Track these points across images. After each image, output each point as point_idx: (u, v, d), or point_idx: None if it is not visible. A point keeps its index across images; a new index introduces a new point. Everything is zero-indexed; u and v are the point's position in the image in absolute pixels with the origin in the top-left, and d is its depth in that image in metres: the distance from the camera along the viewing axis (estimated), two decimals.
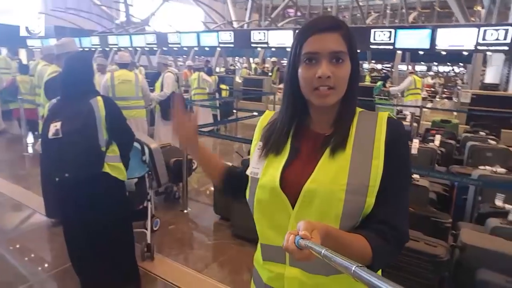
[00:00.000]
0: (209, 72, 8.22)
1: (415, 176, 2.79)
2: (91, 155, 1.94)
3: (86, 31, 17.04)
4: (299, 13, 24.07)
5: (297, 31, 0.84)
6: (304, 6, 26.87)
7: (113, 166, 2.01)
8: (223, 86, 9.54)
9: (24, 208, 3.60)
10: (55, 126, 1.90)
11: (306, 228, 0.57)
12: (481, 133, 4.64)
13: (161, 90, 5.07)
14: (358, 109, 0.85)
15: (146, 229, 2.72)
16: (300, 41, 0.80)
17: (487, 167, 3.02)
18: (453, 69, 23.44)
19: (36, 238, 3.04)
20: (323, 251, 0.52)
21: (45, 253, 2.86)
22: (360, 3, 23.66)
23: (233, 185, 1.01)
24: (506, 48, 8.17)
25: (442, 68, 24.06)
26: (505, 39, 7.96)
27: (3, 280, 2.42)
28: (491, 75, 11.99)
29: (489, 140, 4.08)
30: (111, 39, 15.13)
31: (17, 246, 2.88)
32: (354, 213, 0.77)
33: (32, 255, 2.74)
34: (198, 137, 1.01)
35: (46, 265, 2.66)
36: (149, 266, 2.55)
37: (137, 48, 15.22)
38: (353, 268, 0.48)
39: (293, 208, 0.80)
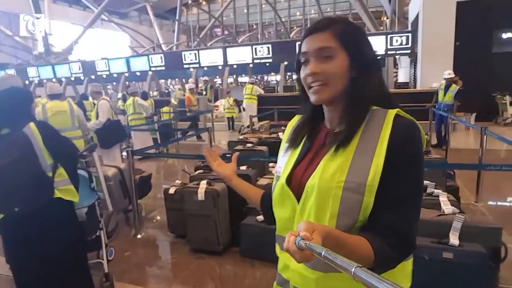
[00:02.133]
0: (144, 96, 8.14)
1: None
2: (37, 183, 1.89)
3: (0, 64, 15.61)
4: (226, 32, 24.78)
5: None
6: (231, 25, 27.75)
7: (64, 190, 1.98)
8: (165, 109, 9.48)
9: None
10: None
11: (307, 229, 0.57)
12: None
13: (97, 118, 4.95)
14: (373, 106, 0.82)
15: (102, 259, 2.65)
16: (299, 45, 0.86)
17: None
18: None
19: None
20: (323, 252, 0.53)
21: None
22: (283, 19, 25.21)
23: (270, 209, 0.98)
24: (408, 51, 9.45)
25: None
26: (407, 43, 9.22)
27: None
28: (403, 75, 13.60)
29: None
30: (31, 71, 14.10)
31: None
32: (351, 211, 0.76)
33: None
34: (235, 175, 1.14)
35: None
36: None
37: (62, 79, 14.36)
38: (353, 269, 0.49)
39: (298, 202, 0.84)
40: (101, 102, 5.09)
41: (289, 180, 0.88)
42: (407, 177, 0.76)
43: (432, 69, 8.85)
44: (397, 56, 11.84)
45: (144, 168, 4.37)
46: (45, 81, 12.94)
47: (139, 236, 3.52)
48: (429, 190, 2.70)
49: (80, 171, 2.52)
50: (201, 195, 2.94)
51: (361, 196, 0.75)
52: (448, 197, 2.54)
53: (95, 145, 3.26)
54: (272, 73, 22.59)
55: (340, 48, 0.80)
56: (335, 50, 0.80)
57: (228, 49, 11.65)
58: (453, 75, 6.65)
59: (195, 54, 11.94)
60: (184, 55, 12.09)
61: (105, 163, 4.66)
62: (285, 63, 11.94)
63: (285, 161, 0.93)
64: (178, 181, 3.49)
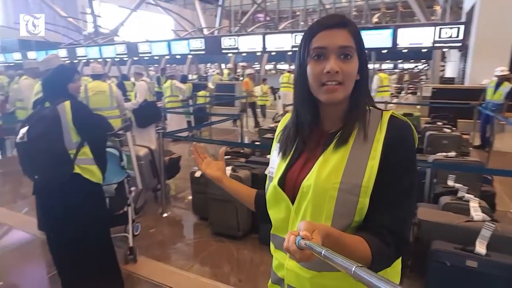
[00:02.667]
0: (184, 80, 8.34)
1: None
2: (55, 158, 2.01)
3: (53, 43, 16.65)
4: (268, 18, 24.50)
5: (306, 30, 0.84)
6: (273, 11, 27.38)
7: (84, 168, 2.07)
8: (201, 93, 9.67)
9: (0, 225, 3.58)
10: (23, 131, 2.02)
11: (307, 229, 0.58)
12: (438, 123, 5.02)
13: (135, 99, 5.18)
14: (368, 107, 0.84)
15: (128, 234, 2.81)
16: (309, 37, 0.80)
17: (445, 153, 3.33)
18: (416, 66, 24.61)
19: (21, 251, 3.05)
20: (323, 252, 0.53)
21: (35, 262, 2.89)
22: (327, 6, 24.46)
23: (264, 208, 0.99)
24: (459, 44, 8.79)
25: (407, 65, 25.20)
26: (457, 36, 8.59)
27: None
28: (450, 70, 12.78)
29: (444, 129, 4.43)
30: (80, 51, 14.89)
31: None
32: (346, 212, 0.77)
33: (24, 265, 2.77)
34: (225, 175, 1.11)
35: (37, 271, 2.70)
36: (133, 268, 2.65)
37: (107, 59, 15.05)
38: (353, 269, 0.49)
39: (293, 204, 0.83)
40: (139, 83, 5.31)
41: (282, 182, 0.87)
42: (401, 177, 0.77)
43: (484, 65, 8.19)
44: (445, 49, 11.09)
45: (176, 150, 4.52)
46: (91, 61, 13.64)
47: (165, 215, 3.68)
48: (459, 194, 2.56)
49: (111, 150, 2.67)
50: None
51: (356, 197, 0.76)
52: (479, 203, 2.39)
53: (130, 125, 3.42)
54: None
55: (355, 50, 0.80)
56: (353, 51, 0.79)
57: (267, 36, 11.54)
58: (506, 72, 6.12)
59: (234, 39, 11.96)
60: (224, 40, 12.15)
61: (140, 142, 4.89)
62: None
63: (277, 162, 0.91)
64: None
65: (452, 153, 3.16)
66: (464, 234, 2.18)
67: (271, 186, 0.89)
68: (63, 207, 2.03)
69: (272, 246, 0.96)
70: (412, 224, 2.47)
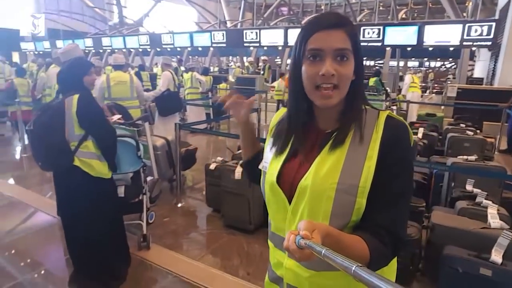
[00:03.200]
0: (205, 72, 8.40)
1: None
2: (54, 147, 2.09)
3: (80, 33, 17.12)
4: (292, 12, 24.20)
5: (301, 28, 0.83)
6: (297, 4, 27.02)
7: (84, 162, 2.11)
8: (222, 86, 9.72)
9: (26, 207, 3.76)
10: (32, 119, 2.14)
11: (307, 228, 0.58)
12: (462, 125, 4.86)
13: None
14: (364, 107, 0.84)
15: (142, 221, 2.89)
16: (305, 37, 0.79)
17: (465, 157, 3.22)
18: (443, 64, 23.77)
19: (42, 233, 3.20)
20: (323, 251, 0.53)
21: (53, 243, 3.03)
22: (353, 1, 23.88)
23: (253, 170, 1.03)
24: (489, 43, 8.42)
25: (433, 64, 24.39)
26: (488, 34, 8.22)
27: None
28: (479, 70, 12.25)
29: (467, 131, 4.28)
30: (105, 41, 15.24)
31: (26, 241, 3.05)
32: (343, 212, 0.77)
33: (44, 247, 2.91)
34: (250, 117, 1.06)
35: (57, 253, 2.83)
36: (145, 254, 2.73)
37: (131, 49, 15.34)
38: (353, 268, 0.48)
39: (289, 203, 0.82)
40: (164, 73, 5.45)
41: (279, 179, 0.85)
42: (398, 177, 0.78)
43: None
44: (474, 48, 10.64)
45: (194, 142, 4.59)
46: (116, 50, 13.95)
47: (179, 205, 3.75)
48: (478, 200, 2.49)
49: (128, 139, 2.74)
50: (238, 174, 3.03)
51: (353, 198, 0.76)
52: (498, 210, 2.31)
53: (148, 116, 3.49)
54: None
55: (351, 51, 0.78)
56: (350, 52, 0.78)
57: (289, 30, 11.44)
58: None
59: (256, 33, 11.93)
60: (245, 33, 12.14)
61: (162, 131, 4.98)
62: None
63: (270, 157, 0.90)
64: (219, 158, 3.62)
65: (473, 157, 3.06)
66: (479, 241, 2.12)
67: (270, 183, 0.87)
68: (68, 196, 2.13)
69: (271, 244, 0.96)
70: (424, 227, 2.43)
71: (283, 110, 0.97)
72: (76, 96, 2.10)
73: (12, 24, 18.63)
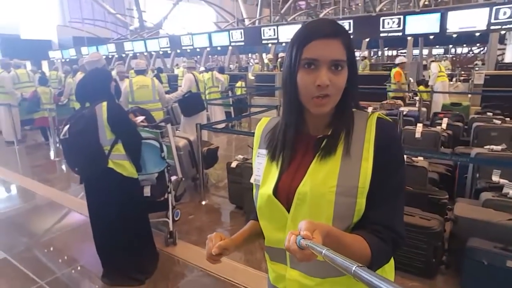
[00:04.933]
0: (221, 71, 8.51)
1: (415, 159, 2.95)
2: (92, 153, 2.25)
3: (103, 39, 17.69)
4: (311, 4, 23.86)
5: (296, 34, 0.81)
6: None
7: (117, 163, 2.29)
8: (238, 84, 9.80)
9: (60, 207, 3.99)
10: (65, 129, 2.27)
11: (308, 228, 0.57)
12: (489, 113, 4.69)
13: None
14: (353, 110, 0.85)
15: (168, 219, 3.01)
16: (301, 45, 0.78)
17: (491, 146, 3.13)
18: (471, 50, 22.74)
19: (77, 231, 3.41)
20: (324, 251, 0.53)
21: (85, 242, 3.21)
22: None
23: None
24: None
25: (459, 50, 23.39)
26: None
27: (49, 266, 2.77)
28: (511, 54, 11.67)
29: (494, 120, 4.14)
30: (127, 45, 15.67)
31: (60, 239, 3.26)
32: (345, 215, 0.78)
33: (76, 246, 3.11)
34: (226, 253, 0.90)
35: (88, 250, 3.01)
36: (172, 250, 2.85)
37: (152, 52, 15.70)
38: (353, 268, 0.48)
39: (288, 211, 0.82)
40: (186, 75, 5.59)
41: (275, 190, 0.84)
42: (393, 175, 0.80)
43: None
44: (503, 32, 10.14)
45: (217, 141, 4.69)
46: (138, 54, 14.34)
47: (203, 203, 3.87)
48: (505, 190, 2.42)
49: (153, 142, 2.86)
50: None
51: (354, 199, 0.77)
52: None
53: (170, 118, 3.61)
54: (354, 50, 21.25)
55: (346, 61, 0.79)
56: (344, 63, 0.78)
57: None
58: None
59: (274, 29, 11.88)
60: (263, 30, 12.12)
61: (187, 131, 5.11)
62: (367, 39, 11.20)
63: (262, 169, 0.88)
64: (240, 156, 3.70)
65: (499, 147, 2.97)
66: (506, 233, 2.08)
67: (265, 196, 0.85)
68: (100, 197, 2.26)
69: (267, 257, 0.94)
70: (447, 220, 2.40)
71: (266, 120, 0.97)
72: (104, 104, 2.24)
73: (40, 35, 19.56)
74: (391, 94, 7.55)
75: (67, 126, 2.26)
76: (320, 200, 0.77)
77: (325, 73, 0.76)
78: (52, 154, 6.36)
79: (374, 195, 0.78)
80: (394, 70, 8.10)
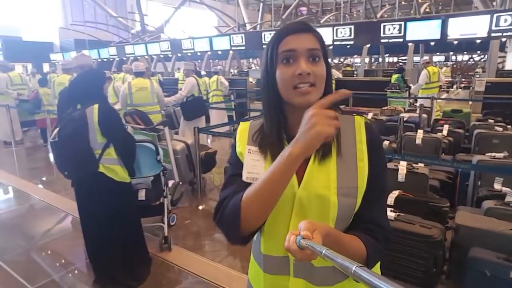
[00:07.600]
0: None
1: (415, 165, 2.90)
2: (81, 156, 2.19)
3: (104, 42, 17.72)
4: (312, 11, 24.00)
5: (270, 39, 0.82)
6: (316, 3, 26.77)
7: (108, 168, 2.22)
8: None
9: (55, 210, 3.93)
10: (55, 132, 2.22)
11: (308, 228, 0.58)
12: (490, 120, 4.64)
13: None
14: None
15: (164, 223, 2.95)
16: (276, 43, 0.79)
17: (492, 154, 3.08)
18: (472, 58, 22.79)
19: (73, 234, 3.35)
20: (323, 251, 0.53)
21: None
22: None
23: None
24: None
25: (460, 57, 23.45)
26: None
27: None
28: (511, 61, 11.66)
29: (495, 127, 4.09)
30: (128, 49, 15.67)
31: (54, 241, 3.20)
32: (347, 215, 0.79)
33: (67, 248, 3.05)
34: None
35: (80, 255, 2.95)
36: (166, 255, 2.79)
37: (153, 56, 15.71)
38: (353, 268, 0.48)
39: (290, 215, 0.79)
40: (188, 79, 5.56)
41: None
42: (381, 174, 0.84)
43: None
44: (504, 39, 10.15)
45: (217, 145, 4.64)
46: (138, 57, 14.33)
47: (200, 208, 3.81)
48: (507, 199, 2.37)
49: (148, 144, 2.81)
50: None
51: (354, 199, 0.79)
52: None
53: (168, 121, 3.57)
54: (355, 56, 21.38)
55: (321, 52, 0.80)
56: (320, 53, 0.80)
57: None
58: None
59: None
60: (264, 35, 12.13)
61: (188, 134, 5.06)
62: (368, 45, 11.20)
63: (261, 166, 0.83)
64: None
65: (501, 154, 2.92)
66: (508, 243, 2.02)
67: None
68: (90, 202, 2.20)
69: (257, 270, 0.88)
70: (448, 228, 2.34)
71: (247, 124, 0.91)
72: (96, 106, 2.19)
73: (42, 37, 19.60)
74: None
75: (57, 129, 2.21)
76: (324, 203, 0.77)
77: (304, 62, 0.77)
78: (50, 156, 6.31)
79: (367, 194, 0.79)
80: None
